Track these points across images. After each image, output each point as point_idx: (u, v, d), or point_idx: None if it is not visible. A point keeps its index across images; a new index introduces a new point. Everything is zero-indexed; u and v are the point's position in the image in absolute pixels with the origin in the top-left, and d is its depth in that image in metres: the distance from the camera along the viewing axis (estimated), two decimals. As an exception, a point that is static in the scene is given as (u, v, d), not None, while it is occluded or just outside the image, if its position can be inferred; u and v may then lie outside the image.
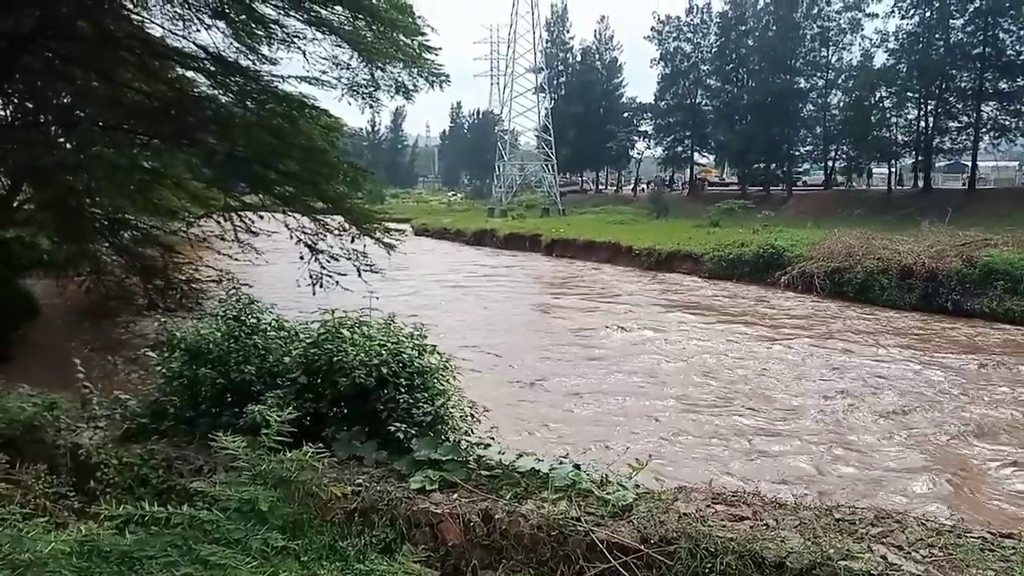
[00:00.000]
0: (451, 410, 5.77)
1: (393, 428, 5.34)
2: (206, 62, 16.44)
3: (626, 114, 77.61)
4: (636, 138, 78.03)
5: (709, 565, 4.23)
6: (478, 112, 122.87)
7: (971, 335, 17.73)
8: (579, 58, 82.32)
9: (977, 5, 43.88)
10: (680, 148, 67.55)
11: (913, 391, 12.64)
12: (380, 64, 16.75)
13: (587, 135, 74.76)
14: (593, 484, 5.05)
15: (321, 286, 17.41)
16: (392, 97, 18.01)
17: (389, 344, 5.68)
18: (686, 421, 10.99)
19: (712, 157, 72.30)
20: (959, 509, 7.86)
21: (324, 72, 16.63)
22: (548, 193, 71.58)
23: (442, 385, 5.80)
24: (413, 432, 5.36)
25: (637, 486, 5.10)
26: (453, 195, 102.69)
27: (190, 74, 17.40)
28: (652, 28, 65.35)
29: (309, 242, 18.38)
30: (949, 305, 20.40)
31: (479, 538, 4.76)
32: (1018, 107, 44.60)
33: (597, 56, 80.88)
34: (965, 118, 46.66)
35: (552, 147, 71.76)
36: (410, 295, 22.82)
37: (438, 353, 6.05)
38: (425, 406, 5.52)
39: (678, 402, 11.96)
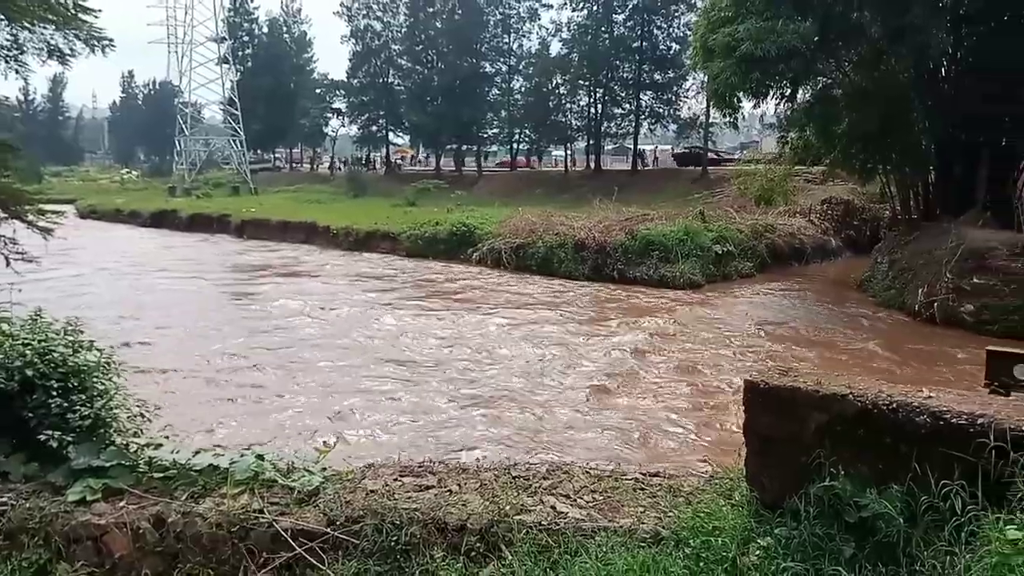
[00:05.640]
0: (115, 411, 5.28)
1: (44, 436, 4.80)
2: None
3: (318, 90, 76.05)
4: (330, 115, 76.96)
5: (395, 538, 4.37)
6: (154, 82, 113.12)
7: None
8: (266, 30, 78.72)
9: (635, 3, 49.10)
10: (375, 127, 67.47)
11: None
12: (27, 24, 14.60)
13: (278, 110, 72.18)
14: (278, 473, 4.95)
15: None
16: (44, 62, 15.75)
17: (35, 342, 5.07)
18: (382, 396, 11.13)
19: (407, 137, 73.26)
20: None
21: (-44, 31, 14.12)
22: (237, 171, 67.56)
23: (103, 384, 5.30)
24: (70, 439, 4.88)
25: (324, 469, 5.10)
26: (127, 173, 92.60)
27: None
28: (341, 4, 64.45)
29: (-61, 228, 15.60)
30: (615, 274, 22.60)
31: (150, 545, 4.47)
32: (669, 96, 51.07)
33: (286, 29, 78.05)
34: (628, 105, 52.40)
35: (240, 122, 67.77)
36: (72, 286, 20.45)
37: (97, 349, 5.50)
38: (83, 409, 5.02)
39: (374, 377, 12.06)
